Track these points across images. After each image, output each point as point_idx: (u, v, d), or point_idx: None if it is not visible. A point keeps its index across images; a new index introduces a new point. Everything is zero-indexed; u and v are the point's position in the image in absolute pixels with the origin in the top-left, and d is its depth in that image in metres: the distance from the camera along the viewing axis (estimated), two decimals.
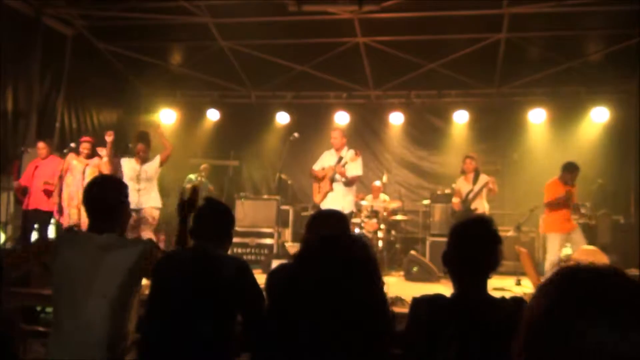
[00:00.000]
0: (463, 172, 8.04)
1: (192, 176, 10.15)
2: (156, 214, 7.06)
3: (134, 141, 7.24)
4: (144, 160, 7.07)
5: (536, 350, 0.92)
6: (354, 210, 8.50)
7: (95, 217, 2.65)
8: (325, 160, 7.13)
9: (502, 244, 2.14)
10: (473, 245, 2.10)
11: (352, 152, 6.95)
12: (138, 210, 6.86)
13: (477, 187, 7.76)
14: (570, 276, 0.96)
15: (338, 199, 6.78)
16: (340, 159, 6.95)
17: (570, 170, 7.02)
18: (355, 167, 6.93)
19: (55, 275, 2.54)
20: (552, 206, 6.99)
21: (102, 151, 7.33)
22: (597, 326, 0.86)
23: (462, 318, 1.96)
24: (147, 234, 6.83)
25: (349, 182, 6.90)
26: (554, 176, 8.41)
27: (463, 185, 7.99)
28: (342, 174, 6.85)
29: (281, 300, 1.78)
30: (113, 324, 2.49)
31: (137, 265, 2.58)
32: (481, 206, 7.81)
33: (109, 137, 7.07)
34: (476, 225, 2.20)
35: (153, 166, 7.11)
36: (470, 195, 7.80)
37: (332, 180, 6.93)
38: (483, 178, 7.80)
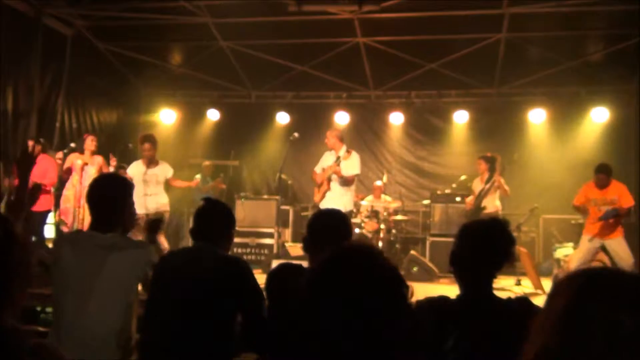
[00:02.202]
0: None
1: (197, 176, 10.16)
2: (165, 217, 7.02)
3: (139, 143, 7.24)
4: (150, 160, 7.06)
5: (560, 348, 0.94)
6: (354, 209, 8.51)
7: (98, 215, 2.61)
8: (325, 161, 7.14)
9: (514, 246, 2.13)
10: (485, 245, 2.08)
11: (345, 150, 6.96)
12: (148, 215, 6.85)
13: (487, 186, 7.83)
14: (586, 274, 0.99)
15: (336, 198, 6.77)
16: (338, 158, 6.96)
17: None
18: (351, 166, 6.90)
19: (56, 275, 2.51)
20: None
21: (113, 161, 7.38)
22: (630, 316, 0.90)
23: (469, 319, 1.96)
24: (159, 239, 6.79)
25: (345, 181, 6.87)
26: (553, 176, 8.45)
27: (477, 185, 8.08)
28: (337, 173, 6.84)
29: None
30: (114, 325, 2.48)
31: (141, 271, 2.56)
32: (491, 205, 7.83)
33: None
34: (489, 226, 2.18)
35: (164, 173, 7.08)
36: (482, 194, 7.87)
37: (330, 179, 6.94)
38: (495, 177, 7.85)
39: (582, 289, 0.97)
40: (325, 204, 6.75)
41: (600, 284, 0.96)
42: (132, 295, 2.57)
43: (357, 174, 7.03)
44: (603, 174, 6.59)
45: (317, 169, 7.19)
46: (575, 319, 0.94)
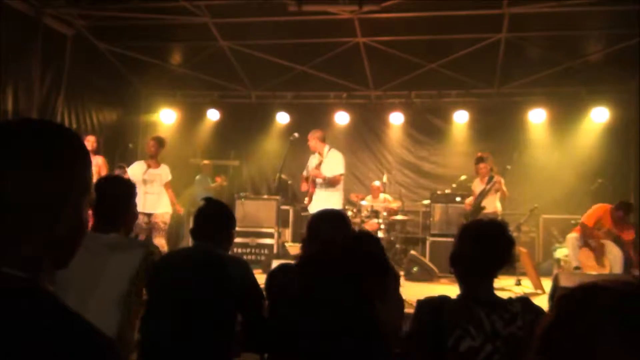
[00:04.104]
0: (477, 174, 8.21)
1: (198, 177, 10.18)
2: (167, 218, 7.07)
3: (151, 139, 7.31)
4: (151, 158, 7.10)
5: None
6: (353, 209, 8.51)
7: (101, 216, 2.62)
8: (311, 164, 7.07)
9: (514, 246, 2.13)
10: (485, 246, 2.08)
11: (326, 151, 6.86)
12: (149, 215, 6.87)
13: (488, 186, 7.85)
14: (590, 290, 0.98)
15: (323, 201, 6.64)
16: (321, 161, 6.87)
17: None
18: (333, 166, 6.77)
19: (57, 274, 2.50)
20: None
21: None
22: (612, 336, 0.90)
23: (469, 319, 1.96)
24: (159, 240, 6.82)
25: (330, 183, 6.75)
26: (553, 176, 8.44)
27: (478, 186, 8.10)
28: (318, 176, 6.74)
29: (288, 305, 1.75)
30: (115, 325, 2.48)
31: (140, 268, 2.56)
32: (491, 205, 7.85)
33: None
34: (488, 227, 2.19)
35: (165, 175, 7.15)
36: (482, 194, 7.90)
37: (315, 182, 6.87)
38: (496, 179, 7.88)
39: (565, 307, 0.97)
40: (313, 207, 6.72)
41: (583, 303, 0.96)
42: (133, 295, 2.57)
43: (341, 174, 6.83)
44: (625, 211, 6.98)
45: (305, 172, 7.16)
46: (553, 339, 0.95)
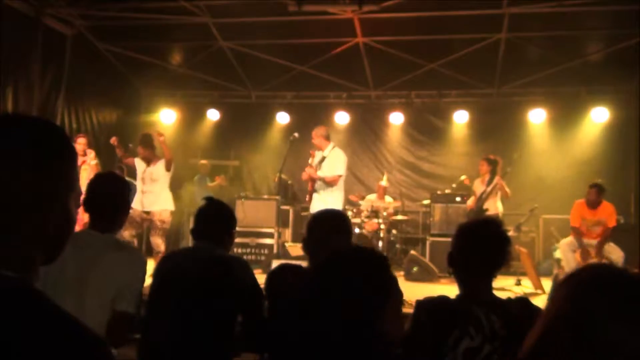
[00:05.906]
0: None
1: (197, 177, 10.18)
2: (165, 216, 6.96)
3: (136, 144, 7.28)
4: (147, 161, 7.08)
5: (555, 348, 0.96)
6: (352, 209, 8.49)
7: (98, 214, 2.59)
8: (315, 160, 7.03)
9: (510, 245, 2.13)
10: (481, 246, 2.08)
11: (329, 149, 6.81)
12: (147, 213, 6.85)
13: (489, 188, 7.85)
14: (586, 278, 1.00)
15: (322, 199, 6.62)
16: (323, 158, 6.84)
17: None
18: (333, 166, 6.69)
19: (50, 274, 2.48)
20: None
21: (91, 153, 7.39)
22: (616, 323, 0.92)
23: (468, 319, 1.96)
24: (156, 240, 6.75)
25: (327, 183, 6.69)
26: (553, 176, 8.42)
27: (479, 186, 8.10)
28: (313, 176, 6.69)
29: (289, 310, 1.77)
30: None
31: (141, 274, 2.53)
32: (493, 207, 7.86)
33: (114, 142, 7.11)
34: (484, 226, 2.19)
35: (158, 168, 7.06)
36: (483, 196, 7.89)
37: (313, 180, 6.83)
38: (496, 180, 7.88)
39: (582, 289, 0.98)
40: (312, 205, 6.71)
41: (599, 286, 0.97)
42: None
43: (340, 175, 6.70)
44: (596, 188, 7.01)
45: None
46: (568, 320, 0.95)
